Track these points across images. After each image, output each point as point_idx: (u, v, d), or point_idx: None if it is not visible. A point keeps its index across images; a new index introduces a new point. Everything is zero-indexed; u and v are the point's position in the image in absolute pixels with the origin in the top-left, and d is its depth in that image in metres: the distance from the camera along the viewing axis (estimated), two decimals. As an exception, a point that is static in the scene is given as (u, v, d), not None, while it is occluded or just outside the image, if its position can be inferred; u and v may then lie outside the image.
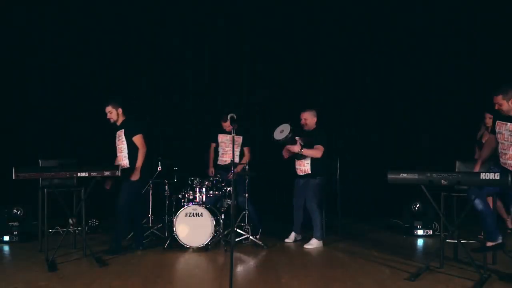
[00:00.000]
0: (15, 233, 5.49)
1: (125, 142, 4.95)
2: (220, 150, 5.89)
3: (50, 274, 4.16)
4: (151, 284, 3.89)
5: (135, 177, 4.84)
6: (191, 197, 5.30)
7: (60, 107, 6.86)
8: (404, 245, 5.33)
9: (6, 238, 5.46)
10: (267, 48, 7.20)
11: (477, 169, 4.24)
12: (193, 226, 5.05)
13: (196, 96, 7.30)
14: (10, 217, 5.58)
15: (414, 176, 4.01)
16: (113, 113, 4.95)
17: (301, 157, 5.26)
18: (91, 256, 4.57)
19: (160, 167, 5.83)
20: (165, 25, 7.16)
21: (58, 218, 5.50)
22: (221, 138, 5.87)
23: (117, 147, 5.02)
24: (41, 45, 6.85)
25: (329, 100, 7.19)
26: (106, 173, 4.52)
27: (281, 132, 4.99)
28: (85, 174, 4.48)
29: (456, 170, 4.66)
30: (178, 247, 5.09)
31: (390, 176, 4.08)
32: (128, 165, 4.87)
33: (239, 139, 5.79)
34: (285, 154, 5.32)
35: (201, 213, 5.07)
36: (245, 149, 5.82)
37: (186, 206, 5.13)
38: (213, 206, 5.26)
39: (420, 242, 5.55)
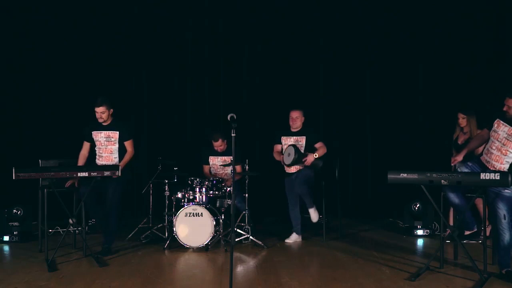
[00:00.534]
0: (15, 233, 5.49)
1: (117, 144, 4.98)
2: (213, 171, 5.89)
3: (50, 274, 4.16)
4: (151, 284, 3.89)
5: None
6: (191, 197, 5.30)
7: (60, 107, 6.85)
8: (404, 245, 5.33)
9: (6, 238, 5.46)
10: (267, 47, 7.19)
11: (460, 158, 4.34)
12: (193, 226, 5.05)
13: (196, 96, 7.29)
14: (10, 217, 5.58)
15: (414, 176, 4.02)
16: (105, 114, 4.92)
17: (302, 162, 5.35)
18: (91, 256, 4.58)
19: (160, 167, 5.84)
20: (165, 23, 7.15)
21: (58, 218, 5.50)
22: (213, 160, 5.84)
23: (105, 147, 4.97)
24: (41, 44, 6.84)
25: (329, 100, 7.18)
26: (106, 173, 4.53)
27: (289, 155, 5.31)
28: (85, 174, 4.49)
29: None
30: (178, 247, 5.10)
31: (390, 176, 4.09)
32: None
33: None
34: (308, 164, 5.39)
35: (201, 213, 5.07)
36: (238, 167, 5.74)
37: (186, 206, 5.13)
38: (213, 206, 5.26)
39: (420, 242, 5.54)
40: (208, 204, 5.23)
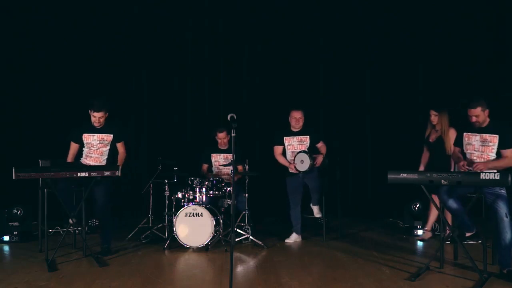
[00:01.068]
0: (15, 233, 5.49)
1: (109, 146, 4.98)
2: (214, 169, 5.90)
3: (50, 274, 4.16)
4: (151, 284, 3.89)
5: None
6: (191, 197, 5.30)
7: (60, 107, 6.85)
8: (404, 245, 5.33)
9: (6, 238, 5.46)
10: (267, 47, 7.19)
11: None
12: (193, 226, 5.05)
13: (196, 96, 7.29)
14: (10, 217, 5.58)
15: (414, 176, 4.03)
16: (103, 118, 4.89)
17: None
18: (91, 256, 4.58)
19: (160, 167, 5.84)
20: (165, 23, 7.15)
21: (58, 218, 5.51)
22: (215, 157, 5.89)
23: (96, 149, 4.96)
24: (41, 44, 6.84)
25: (329, 100, 7.18)
26: (106, 173, 4.53)
27: (302, 162, 5.33)
28: (85, 174, 4.49)
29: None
30: (178, 247, 5.09)
31: (390, 176, 4.10)
32: None
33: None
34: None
35: (201, 213, 5.07)
36: (239, 167, 5.78)
37: (186, 206, 5.13)
38: (213, 206, 5.26)
39: (420, 242, 5.54)
40: (208, 204, 5.23)
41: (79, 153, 5.01)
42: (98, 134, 4.95)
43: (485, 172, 3.79)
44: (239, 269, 4.43)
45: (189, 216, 5.07)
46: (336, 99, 7.18)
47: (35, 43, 6.80)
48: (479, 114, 4.16)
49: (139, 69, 7.18)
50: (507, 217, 3.96)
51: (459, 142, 4.43)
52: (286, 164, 5.53)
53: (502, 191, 4.03)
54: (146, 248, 5.19)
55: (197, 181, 5.31)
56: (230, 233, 4.93)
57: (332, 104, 7.17)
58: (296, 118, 5.48)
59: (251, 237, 5.31)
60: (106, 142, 4.97)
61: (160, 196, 5.82)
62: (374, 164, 7.14)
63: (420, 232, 5.67)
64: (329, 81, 7.25)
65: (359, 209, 7.14)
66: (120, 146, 5.07)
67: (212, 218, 5.04)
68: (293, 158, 5.46)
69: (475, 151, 4.25)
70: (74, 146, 5.00)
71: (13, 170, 4.25)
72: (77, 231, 5.04)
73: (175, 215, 5.13)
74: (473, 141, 4.28)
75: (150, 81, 7.24)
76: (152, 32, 7.11)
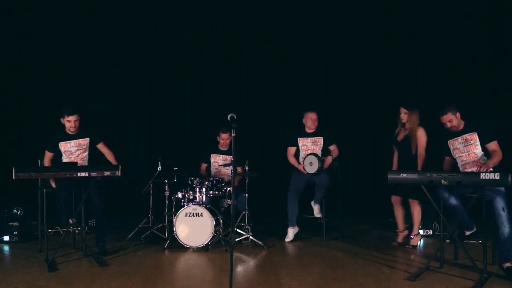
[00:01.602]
0: (15, 233, 5.50)
1: (88, 150, 5.02)
2: (213, 170, 5.90)
3: (50, 274, 4.16)
4: (151, 284, 3.89)
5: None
6: (191, 197, 5.30)
7: (60, 107, 6.83)
8: (404, 245, 5.32)
9: (6, 238, 5.46)
10: (267, 47, 7.19)
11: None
12: (193, 226, 5.05)
13: (196, 96, 7.29)
14: (10, 217, 5.58)
15: (414, 176, 4.03)
16: (78, 122, 4.92)
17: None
18: (91, 256, 4.58)
19: (160, 167, 5.83)
20: (165, 23, 7.14)
21: (58, 218, 5.50)
22: (214, 158, 5.90)
23: (77, 156, 4.97)
24: (41, 44, 6.83)
25: (329, 100, 7.18)
26: (106, 173, 4.53)
27: (311, 164, 5.41)
28: (85, 174, 4.48)
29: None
30: (178, 247, 5.09)
31: (390, 176, 4.10)
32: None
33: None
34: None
35: (201, 213, 5.07)
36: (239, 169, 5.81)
37: (186, 206, 5.13)
38: (213, 206, 5.26)
39: (420, 242, 5.53)
40: (208, 204, 5.23)
41: (56, 163, 5.00)
42: (75, 140, 4.98)
43: (485, 172, 3.79)
44: (239, 269, 4.43)
45: (189, 216, 5.07)
46: (336, 99, 7.17)
47: (35, 43, 6.80)
48: (451, 119, 4.36)
49: (139, 69, 7.18)
50: (504, 212, 4.00)
51: (447, 151, 4.54)
52: (296, 165, 5.61)
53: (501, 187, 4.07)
54: (146, 248, 5.19)
55: (197, 181, 5.31)
56: (230, 233, 4.93)
57: (332, 104, 7.16)
58: (313, 119, 5.59)
59: (251, 237, 5.31)
60: (84, 146, 5.00)
61: (160, 196, 5.82)
62: (374, 164, 7.14)
63: (399, 239, 5.40)
64: (329, 81, 7.25)
65: (359, 209, 7.14)
66: (102, 147, 5.11)
67: (212, 218, 5.04)
68: (303, 158, 5.55)
69: (462, 153, 4.39)
70: (48, 155, 5.02)
71: (13, 170, 4.25)
72: (76, 231, 5.04)
73: (175, 215, 5.13)
74: (457, 145, 4.44)
75: (150, 81, 7.24)
76: (152, 32, 7.11)
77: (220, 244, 5.17)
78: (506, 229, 4.00)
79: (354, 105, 7.19)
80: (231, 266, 3.37)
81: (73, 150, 4.98)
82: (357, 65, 7.17)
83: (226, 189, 5.36)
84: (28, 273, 4.19)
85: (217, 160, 5.88)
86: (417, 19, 6.94)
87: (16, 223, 5.54)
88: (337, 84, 7.20)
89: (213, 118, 6.95)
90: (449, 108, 4.36)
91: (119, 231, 5.86)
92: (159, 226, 5.71)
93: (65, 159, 4.99)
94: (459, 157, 4.43)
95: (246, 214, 5.45)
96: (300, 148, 5.66)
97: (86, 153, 5.04)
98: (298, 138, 5.67)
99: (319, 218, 5.61)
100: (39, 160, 5.18)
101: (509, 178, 3.67)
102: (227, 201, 5.33)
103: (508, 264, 4.05)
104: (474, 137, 4.32)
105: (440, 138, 4.63)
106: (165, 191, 5.60)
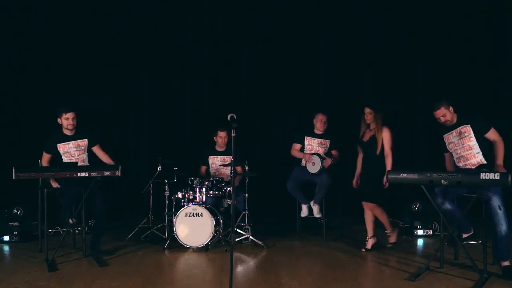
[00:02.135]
0: (15, 233, 5.50)
1: (86, 152, 5.00)
2: (212, 171, 5.90)
3: (50, 274, 4.16)
4: (151, 284, 3.89)
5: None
6: (191, 197, 5.30)
7: (60, 107, 6.84)
8: (404, 245, 5.33)
9: (6, 238, 5.46)
10: (267, 47, 7.19)
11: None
12: (193, 226, 5.05)
13: (196, 96, 7.28)
14: (10, 217, 5.58)
15: (414, 176, 4.02)
16: (75, 119, 4.89)
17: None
18: (91, 256, 4.58)
19: (160, 167, 5.83)
20: (165, 23, 7.14)
21: (58, 218, 5.50)
22: (212, 159, 5.91)
23: (76, 157, 4.94)
24: (41, 44, 6.83)
25: (329, 100, 7.18)
26: (106, 173, 4.52)
27: (313, 164, 5.50)
28: (85, 174, 4.48)
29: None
30: (178, 247, 5.10)
31: (390, 176, 4.09)
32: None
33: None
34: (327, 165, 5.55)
35: (201, 213, 5.07)
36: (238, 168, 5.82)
37: (186, 206, 5.13)
38: (213, 206, 5.26)
39: (420, 242, 5.54)
40: (208, 204, 5.23)
41: (55, 164, 4.96)
42: (73, 141, 4.94)
43: (485, 172, 3.78)
44: (239, 269, 4.43)
45: (189, 216, 5.07)
46: (336, 99, 7.17)
47: (35, 43, 6.79)
48: (445, 113, 4.35)
49: (139, 69, 7.18)
50: (500, 210, 3.99)
51: (444, 147, 4.52)
52: (301, 156, 5.67)
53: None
54: (146, 248, 5.19)
55: (197, 181, 5.31)
56: (230, 233, 4.93)
57: (332, 104, 7.16)
58: (323, 121, 5.65)
59: (251, 237, 5.31)
60: (82, 148, 4.97)
61: (160, 196, 5.82)
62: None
63: (368, 245, 5.17)
64: (329, 81, 7.25)
65: (359, 209, 7.11)
66: (98, 150, 5.05)
67: (212, 218, 5.04)
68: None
69: (457, 147, 4.37)
70: (46, 156, 4.98)
71: (13, 170, 4.25)
72: (76, 231, 5.04)
73: (175, 215, 5.13)
74: (451, 139, 4.42)
75: (150, 81, 7.24)
76: (152, 32, 7.10)
77: (220, 244, 5.18)
78: (503, 227, 4.00)
79: (354, 105, 7.17)
80: (231, 266, 3.37)
81: (72, 151, 4.96)
82: (357, 65, 7.16)
83: (226, 189, 5.36)
84: (28, 273, 4.19)
85: (215, 162, 5.88)
86: (417, 19, 6.95)
87: (16, 223, 5.54)
88: (337, 84, 7.20)
89: (213, 118, 6.95)
90: (442, 103, 4.36)
91: (119, 231, 5.86)
92: (159, 226, 5.71)
93: (65, 159, 4.99)
94: (454, 150, 4.40)
95: (246, 214, 5.45)
96: (305, 146, 5.71)
97: (86, 155, 5.01)
98: (306, 137, 5.73)
99: (319, 218, 5.61)
100: (39, 160, 5.18)
101: (509, 178, 3.66)
102: (227, 201, 5.34)
103: (505, 263, 4.05)
104: (467, 129, 4.30)
105: (437, 135, 4.61)
106: (165, 191, 5.60)
